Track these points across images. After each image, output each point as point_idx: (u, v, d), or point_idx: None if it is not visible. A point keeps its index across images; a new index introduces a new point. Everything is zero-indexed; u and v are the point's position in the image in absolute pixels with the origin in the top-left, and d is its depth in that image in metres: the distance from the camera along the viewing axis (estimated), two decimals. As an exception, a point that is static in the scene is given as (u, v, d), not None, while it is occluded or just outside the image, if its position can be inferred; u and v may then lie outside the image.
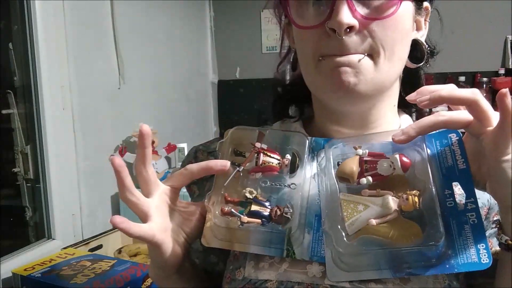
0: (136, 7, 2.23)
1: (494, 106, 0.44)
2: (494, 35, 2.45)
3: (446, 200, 0.48)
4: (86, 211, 1.90)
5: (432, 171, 0.48)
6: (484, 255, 0.45)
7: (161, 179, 0.57)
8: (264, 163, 0.53)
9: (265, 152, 0.54)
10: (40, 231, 1.79)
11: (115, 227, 0.50)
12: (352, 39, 0.54)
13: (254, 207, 0.51)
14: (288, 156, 0.54)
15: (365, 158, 0.50)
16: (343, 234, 0.48)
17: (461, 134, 0.51)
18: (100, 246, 1.71)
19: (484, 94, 2.31)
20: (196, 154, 0.71)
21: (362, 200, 0.48)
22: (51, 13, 1.74)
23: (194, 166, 0.54)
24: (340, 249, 0.48)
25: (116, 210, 2.07)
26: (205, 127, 3.02)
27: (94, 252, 1.62)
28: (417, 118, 0.54)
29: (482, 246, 0.46)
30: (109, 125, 2.05)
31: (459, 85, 2.50)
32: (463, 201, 0.48)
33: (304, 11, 0.57)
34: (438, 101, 0.48)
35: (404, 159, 0.48)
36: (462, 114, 0.47)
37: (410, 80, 0.65)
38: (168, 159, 2.42)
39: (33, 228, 1.81)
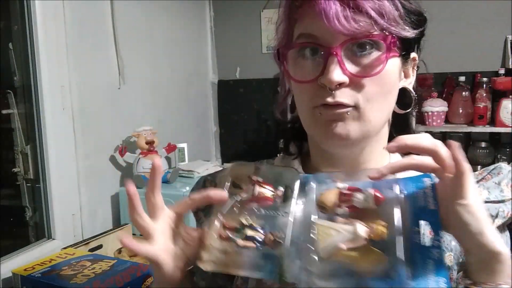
0: (136, 7, 2.23)
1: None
2: (494, 35, 2.45)
3: (414, 236, 0.52)
4: (86, 211, 1.91)
5: (403, 209, 0.53)
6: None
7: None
8: (259, 194, 0.58)
9: (261, 184, 0.59)
10: (40, 231, 1.80)
11: (123, 245, 0.56)
12: (342, 92, 0.60)
13: (249, 233, 0.56)
14: (281, 188, 0.59)
15: (343, 191, 0.55)
16: (315, 256, 0.53)
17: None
18: (100, 246, 1.71)
19: (484, 94, 2.31)
20: (204, 184, 0.79)
21: (334, 226, 0.53)
22: (51, 13, 1.74)
23: (196, 196, 0.60)
24: (312, 269, 0.52)
25: (116, 210, 2.07)
26: (205, 127, 3.02)
27: (94, 252, 1.62)
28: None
29: (443, 280, 0.50)
30: (109, 125, 2.05)
31: (459, 85, 2.49)
32: (430, 239, 0.52)
33: (300, 65, 0.63)
34: (404, 148, 0.54)
35: (378, 194, 0.54)
36: (430, 160, 0.53)
37: (400, 123, 0.72)
38: (168, 159, 2.42)
39: (33, 228, 1.82)
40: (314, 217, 0.55)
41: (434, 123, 2.38)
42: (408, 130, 0.74)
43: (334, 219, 0.54)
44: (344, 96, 0.60)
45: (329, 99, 0.60)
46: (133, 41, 2.20)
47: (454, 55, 2.45)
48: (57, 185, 1.77)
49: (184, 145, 2.40)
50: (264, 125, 2.95)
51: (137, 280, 1.35)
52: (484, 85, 2.35)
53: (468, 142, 2.51)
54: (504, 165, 0.70)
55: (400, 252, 0.50)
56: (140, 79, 2.26)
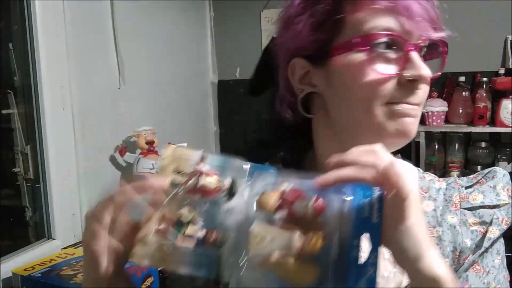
0: (136, 7, 2.23)
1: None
2: (494, 35, 2.45)
3: (352, 249, 0.49)
4: (86, 211, 1.90)
5: (346, 218, 0.49)
6: None
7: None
8: (203, 187, 0.53)
9: (206, 174, 0.54)
10: (40, 231, 1.79)
11: None
12: (422, 90, 0.61)
13: (189, 229, 0.52)
14: (228, 180, 0.54)
15: (285, 194, 0.51)
16: (245, 262, 0.50)
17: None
18: (100, 246, 1.71)
19: (484, 94, 2.31)
20: None
21: (270, 232, 0.50)
22: (51, 13, 1.73)
23: (135, 185, 0.53)
24: (240, 276, 0.49)
25: (116, 210, 2.06)
26: (205, 127, 3.02)
27: (94, 252, 1.62)
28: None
29: None
30: (109, 125, 2.05)
31: (459, 85, 2.49)
32: (367, 254, 0.49)
33: (378, 60, 0.60)
34: (342, 165, 0.50)
35: (319, 202, 0.50)
36: (367, 174, 0.49)
37: None
38: (168, 159, 2.42)
39: (33, 228, 1.81)
40: (252, 220, 0.51)
41: (434, 123, 2.39)
42: None
43: (273, 221, 0.51)
44: (422, 93, 0.62)
45: (412, 99, 0.61)
46: (133, 41, 2.20)
47: (454, 55, 2.45)
48: (57, 185, 1.77)
49: (184, 145, 2.40)
50: (264, 125, 2.94)
51: (137, 280, 1.35)
52: (484, 85, 2.35)
53: (468, 142, 2.51)
54: (498, 169, 0.70)
55: (332, 269, 0.47)
56: (140, 79, 2.26)
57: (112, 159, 2.08)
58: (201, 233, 0.52)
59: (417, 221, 0.49)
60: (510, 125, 2.24)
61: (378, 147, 0.50)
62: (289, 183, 0.52)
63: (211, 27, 3.00)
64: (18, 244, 1.69)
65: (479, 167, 2.39)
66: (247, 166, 0.56)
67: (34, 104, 1.74)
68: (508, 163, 2.40)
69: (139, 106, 2.27)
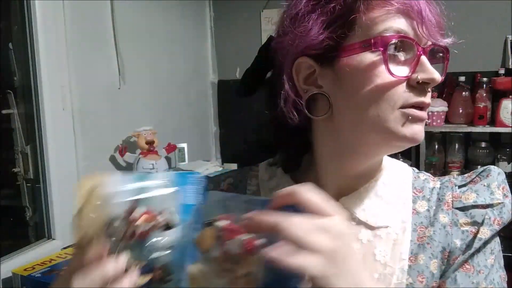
0: (136, 7, 2.23)
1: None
2: (494, 35, 2.44)
3: (291, 278, 0.46)
4: (86, 211, 1.90)
5: None
6: None
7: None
8: (142, 233, 0.51)
9: (140, 216, 0.51)
10: (40, 231, 1.80)
11: None
12: (429, 92, 0.62)
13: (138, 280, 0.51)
14: (162, 217, 0.52)
15: (218, 233, 0.49)
16: None
17: None
18: (100, 246, 1.71)
19: (484, 94, 2.31)
20: None
21: (205, 276, 0.49)
22: (51, 13, 1.74)
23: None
24: None
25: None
26: (205, 127, 3.02)
27: (94, 252, 1.62)
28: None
29: None
30: (109, 125, 2.05)
31: (459, 85, 2.48)
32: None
33: (390, 62, 0.59)
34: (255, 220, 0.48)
35: (250, 241, 0.48)
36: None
37: None
38: (168, 159, 2.42)
39: (33, 228, 1.82)
40: (190, 258, 0.50)
41: (434, 123, 2.38)
42: None
43: (210, 260, 0.49)
44: (429, 96, 0.62)
45: (425, 99, 0.61)
46: (133, 41, 2.20)
47: (454, 55, 2.45)
48: (57, 185, 1.77)
49: (184, 145, 2.40)
50: (264, 125, 2.94)
51: (137, 280, 1.35)
52: (484, 85, 2.35)
53: (468, 142, 2.51)
54: (493, 168, 0.69)
55: None
56: (140, 79, 2.26)
57: (112, 159, 2.08)
58: (147, 278, 0.50)
59: (344, 276, 0.46)
60: (510, 125, 2.24)
61: (309, 188, 0.48)
62: (225, 220, 0.50)
63: (211, 27, 3.00)
64: (18, 244, 1.69)
65: (479, 167, 2.36)
66: (172, 190, 0.53)
67: (34, 104, 1.74)
68: (508, 163, 2.40)
69: (139, 106, 2.27)
